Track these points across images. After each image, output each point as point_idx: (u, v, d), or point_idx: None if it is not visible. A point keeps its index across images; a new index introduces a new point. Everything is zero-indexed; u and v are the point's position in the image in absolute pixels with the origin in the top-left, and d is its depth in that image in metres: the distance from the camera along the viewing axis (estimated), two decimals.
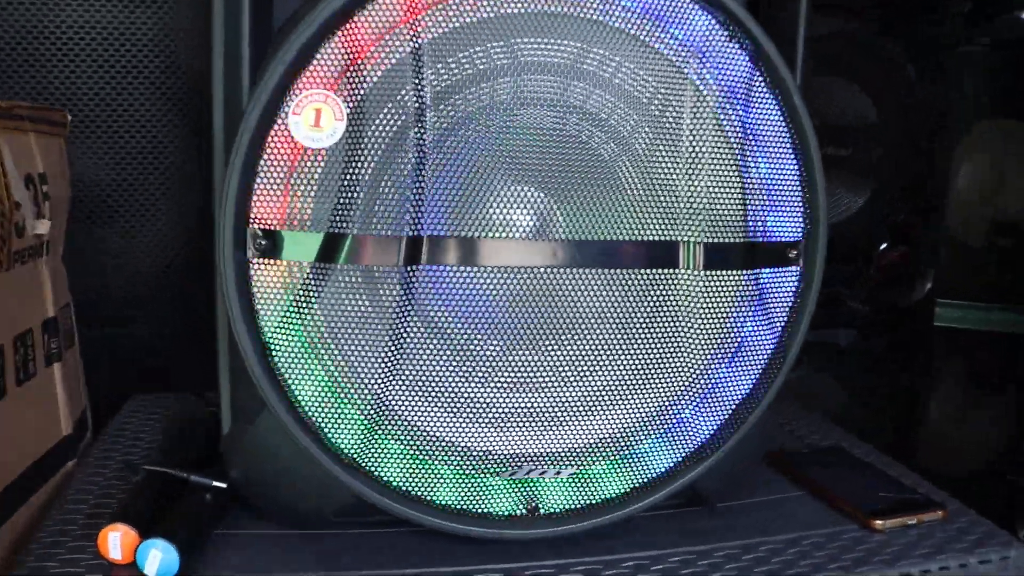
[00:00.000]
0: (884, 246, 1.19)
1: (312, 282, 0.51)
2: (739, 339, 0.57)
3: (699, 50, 0.54)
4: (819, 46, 1.11)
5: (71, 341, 0.77)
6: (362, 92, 0.49)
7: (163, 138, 0.94)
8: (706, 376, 0.57)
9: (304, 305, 0.51)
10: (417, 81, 0.50)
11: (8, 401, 0.62)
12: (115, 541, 0.53)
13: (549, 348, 0.54)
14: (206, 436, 0.66)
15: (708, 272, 0.54)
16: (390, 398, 0.52)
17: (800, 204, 0.57)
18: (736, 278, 0.55)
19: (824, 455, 0.74)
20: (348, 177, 0.50)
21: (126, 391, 0.89)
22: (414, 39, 0.49)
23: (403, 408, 0.53)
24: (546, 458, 0.56)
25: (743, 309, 0.56)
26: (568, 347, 0.54)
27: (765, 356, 0.58)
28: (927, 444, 1.17)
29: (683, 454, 0.58)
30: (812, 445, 0.78)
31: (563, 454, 0.56)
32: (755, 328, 0.57)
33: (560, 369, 0.54)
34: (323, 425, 0.53)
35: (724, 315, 0.56)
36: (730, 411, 0.58)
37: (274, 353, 0.52)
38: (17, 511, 0.62)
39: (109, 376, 0.93)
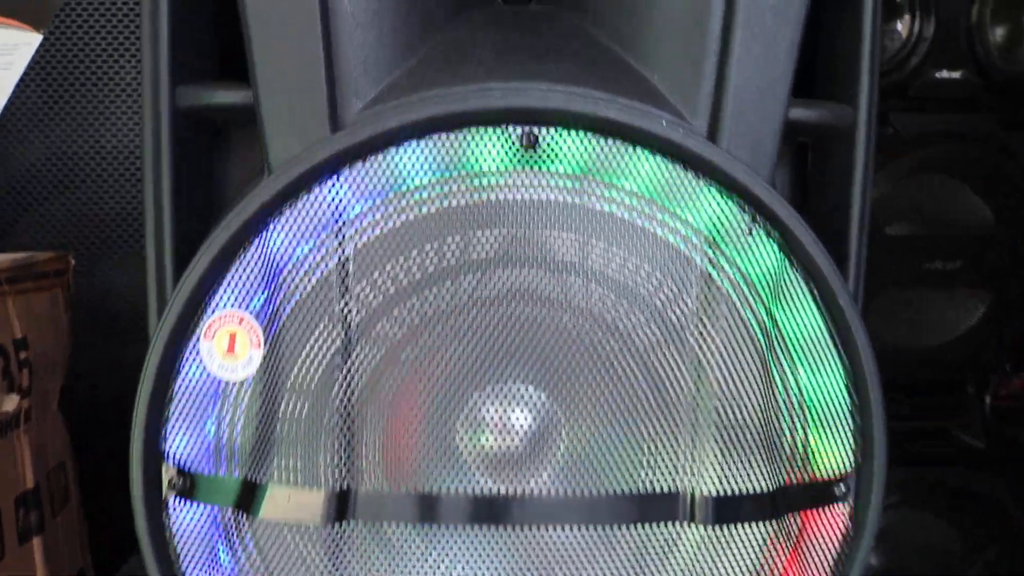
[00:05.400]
0: (1004, 371, 1.02)
1: (236, 526, 0.43)
2: None
3: (711, 235, 0.43)
4: (926, 145, 0.98)
5: (62, 504, 0.72)
6: (283, 314, 0.41)
7: None
8: None
9: (232, 548, 0.43)
10: (345, 299, 0.41)
11: None
12: None
13: None
14: None
15: (718, 527, 0.43)
16: None
17: (850, 425, 0.45)
18: (757, 531, 0.43)
19: None
20: (265, 416, 0.42)
21: None
22: (340, 248, 0.41)
23: None
24: None
25: (769, 565, 0.44)
26: None
27: None
28: None
29: None
30: None
31: None
32: None
33: None
34: None
35: (744, 572, 0.44)
36: None
37: None
38: None
39: None
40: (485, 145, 0.41)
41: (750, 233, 0.42)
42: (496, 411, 0.46)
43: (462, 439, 0.46)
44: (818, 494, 0.45)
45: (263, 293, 0.42)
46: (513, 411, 0.46)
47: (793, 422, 0.45)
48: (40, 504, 0.68)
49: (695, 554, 0.44)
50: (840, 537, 0.45)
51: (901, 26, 0.93)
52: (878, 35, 0.46)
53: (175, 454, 0.43)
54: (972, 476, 1.05)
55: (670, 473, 0.44)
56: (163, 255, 0.45)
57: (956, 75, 0.96)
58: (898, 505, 1.04)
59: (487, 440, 0.46)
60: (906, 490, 1.05)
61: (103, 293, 0.91)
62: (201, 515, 0.44)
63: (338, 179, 0.41)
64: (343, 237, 0.41)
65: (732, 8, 0.42)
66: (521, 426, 0.46)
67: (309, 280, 0.42)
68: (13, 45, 0.86)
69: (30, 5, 0.84)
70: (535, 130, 0.41)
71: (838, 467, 0.45)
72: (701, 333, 0.44)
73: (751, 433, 0.44)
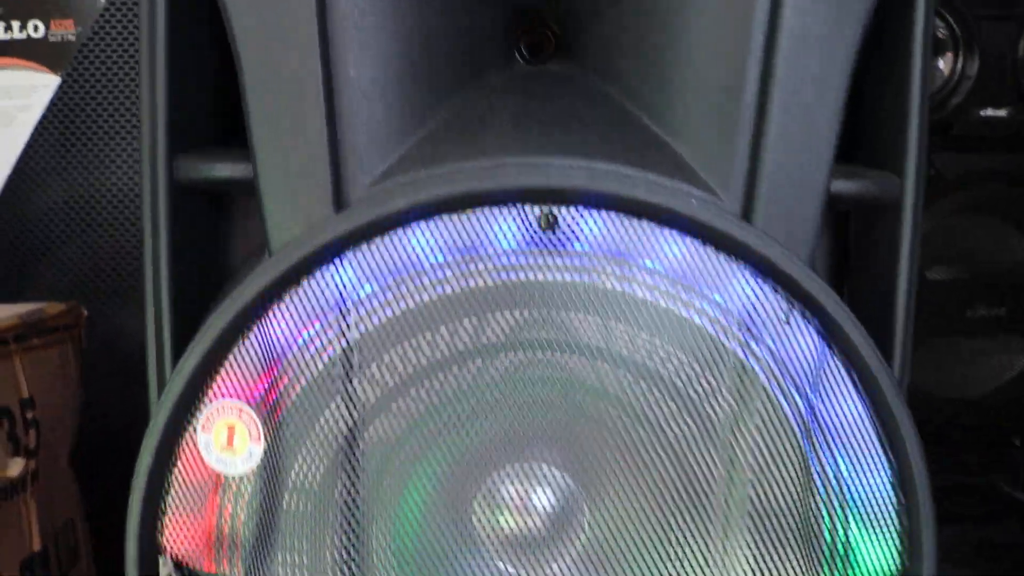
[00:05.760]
0: None
1: None
2: None
3: (746, 320, 0.40)
4: (969, 185, 0.94)
5: (71, 563, 0.70)
6: (284, 405, 0.39)
7: None
8: None
9: None
10: (351, 385, 0.39)
11: None
12: None
13: None
14: None
15: None
16: None
17: (895, 525, 0.41)
18: None
19: None
20: (267, 511, 0.39)
21: None
22: (345, 334, 0.38)
23: None
24: None
25: None
26: None
27: None
28: None
29: None
30: None
31: None
32: None
33: None
34: None
35: None
36: None
37: None
38: None
39: None
40: (500, 225, 0.38)
41: (787, 321, 0.39)
42: (516, 490, 0.43)
43: (479, 518, 0.43)
44: None
45: (263, 382, 0.39)
46: (534, 490, 0.43)
47: (833, 520, 0.41)
48: (47, 565, 0.66)
49: None
50: None
51: (943, 64, 0.89)
52: (926, 103, 0.42)
53: (172, 548, 0.40)
54: (1020, 533, 1.00)
55: (699, 574, 0.41)
56: (161, 331, 0.43)
57: (1001, 113, 0.92)
58: (941, 563, 0.99)
59: (506, 520, 0.43)
60: (949, 549, 1.00)
61: (118, 331, 0.90)
62: None
63: (342, 262, 0.38)
64: (348, 322, 0.39)
65: (769, 76, 0.39)
66: (542, 506, 0.43)
67: (312, 368, 0.39)
68: (31, 87, 0.85)
69: (49, 47, 0.83)
70: (554, 210, 0.38)
71: (882, 569, 0.41)
72: (734, 421, 0.41)
73: (787, 530, 0.41)
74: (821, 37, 0.39)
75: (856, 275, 0.47)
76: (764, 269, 0.39)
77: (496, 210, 0.38)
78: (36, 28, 0.83)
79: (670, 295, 0.40)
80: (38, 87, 0.84)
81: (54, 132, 0.85)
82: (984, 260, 0.95)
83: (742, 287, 0.40)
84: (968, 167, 0.93)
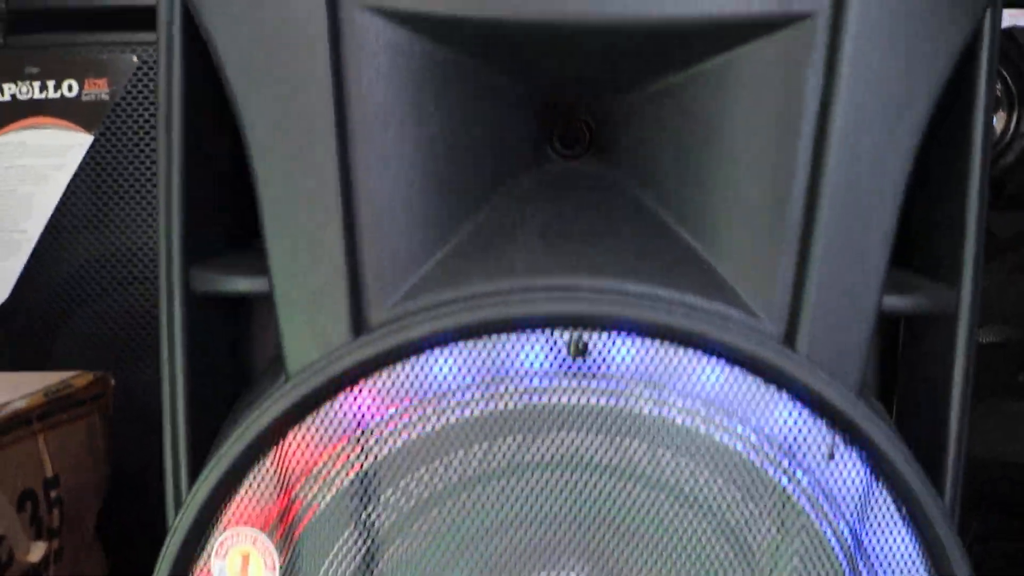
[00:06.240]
0: None
1: None
2: None
3: (788, 447, 0.38)
4: (1022, 246, 0.90)
5: None
6: (299, 532, 0.37)
7: None
8: None
9: None
10: (368, 511, 0.37)
11: None
12: None
13: None
14: None
15: None
16: None
17: None
18: None
19: None
20: None
21: None
22: (361, 458, 0.37)
23: None
24: None
25: None
26: None
27: None
28: None
29: None
30: None
31: None
32: None
33: None
34: None
35: None
36: None
37: None
38: None
39: None
40: (527, 351, 0.36)
41: (831, 457, 0.37)
42: None
43: None
44: None
45: (279, 507, 0.38)
46: None
47: None
48: None
49: None
50: None
51: (996, 121, 0.85)
52: (984, 211, 0.40)
53: None
54: None
55: None
56: (178, 444, 0.42)
57: None
58: None
59: None
60: None
61: (148, 386, 0.89)
62: None
63: (361, 389, 0.37)
64: (365, 446, 0.37)
65: (817, 189, 0.37)
66: None
67: (328, 493, 0.37)
68: (66, 146, 0.85)
69: (82, 107, 0.83)
70: (584, 336, 0.36)
71: None
72: (773, 550, 0.38)
73: None
74: (875, 147, 0.37)
75: (906, 385, 0.44)
76: (807, 399, 0.36)
77: (523, 336, 0.36)
78: (70, 87, 0.83)
79: (705, 419, 0.38)
80: (72, 146, 0.85)
81: (87, 190, 0.85)
82: None
83: (785, 415, 0.37)
84: (1021, 227, 0.90)
